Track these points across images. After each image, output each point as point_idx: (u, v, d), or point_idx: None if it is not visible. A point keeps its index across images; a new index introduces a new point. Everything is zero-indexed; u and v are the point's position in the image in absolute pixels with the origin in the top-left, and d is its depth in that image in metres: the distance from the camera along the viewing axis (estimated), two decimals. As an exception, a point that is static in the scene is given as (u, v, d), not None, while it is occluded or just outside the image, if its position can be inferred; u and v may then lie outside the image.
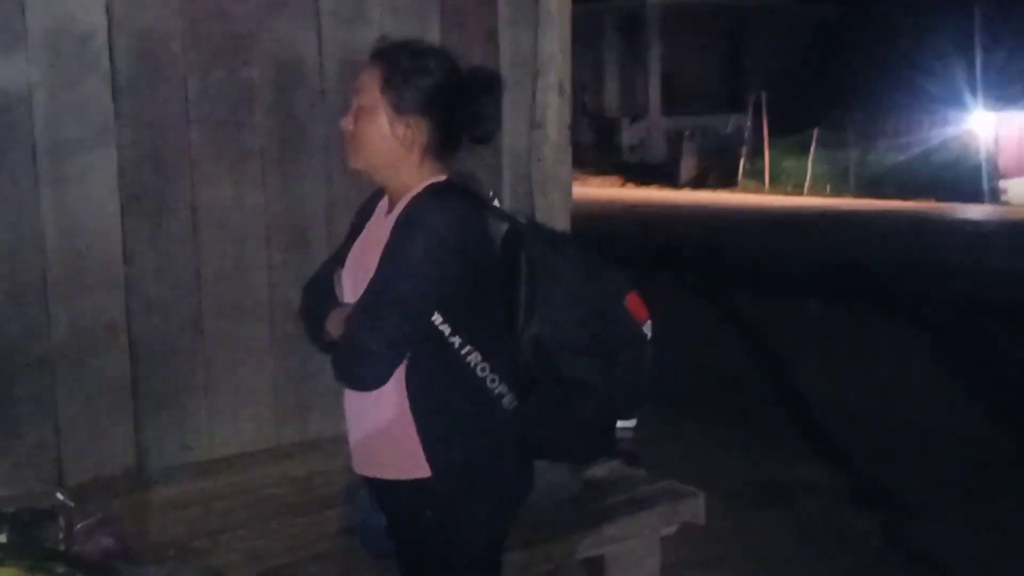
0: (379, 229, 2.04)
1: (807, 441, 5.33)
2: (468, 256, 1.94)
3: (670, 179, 25.97)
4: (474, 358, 1.95)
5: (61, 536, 2.17)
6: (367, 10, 3.26)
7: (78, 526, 2.26)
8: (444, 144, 2.02)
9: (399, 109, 1.97)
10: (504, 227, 2.05)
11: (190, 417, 3.07)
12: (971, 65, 22.19)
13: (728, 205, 20.87)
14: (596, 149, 27.90)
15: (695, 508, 2.90)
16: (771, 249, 13.17)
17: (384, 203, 2.10)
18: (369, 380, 1.93)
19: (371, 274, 1.97)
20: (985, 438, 5.27)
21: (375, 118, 1.98)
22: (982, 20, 21.95)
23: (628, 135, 29.18)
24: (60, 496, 2.31)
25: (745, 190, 24.29)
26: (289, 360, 3.22)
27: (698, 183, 25.57)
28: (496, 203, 2.10)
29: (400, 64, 1.98)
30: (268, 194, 3.16)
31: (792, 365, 6.93)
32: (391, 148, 1.99)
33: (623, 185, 26.32)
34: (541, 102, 3.38)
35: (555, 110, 3.34)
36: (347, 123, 2.04)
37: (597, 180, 25.86)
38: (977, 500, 4.40)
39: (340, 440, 3.05)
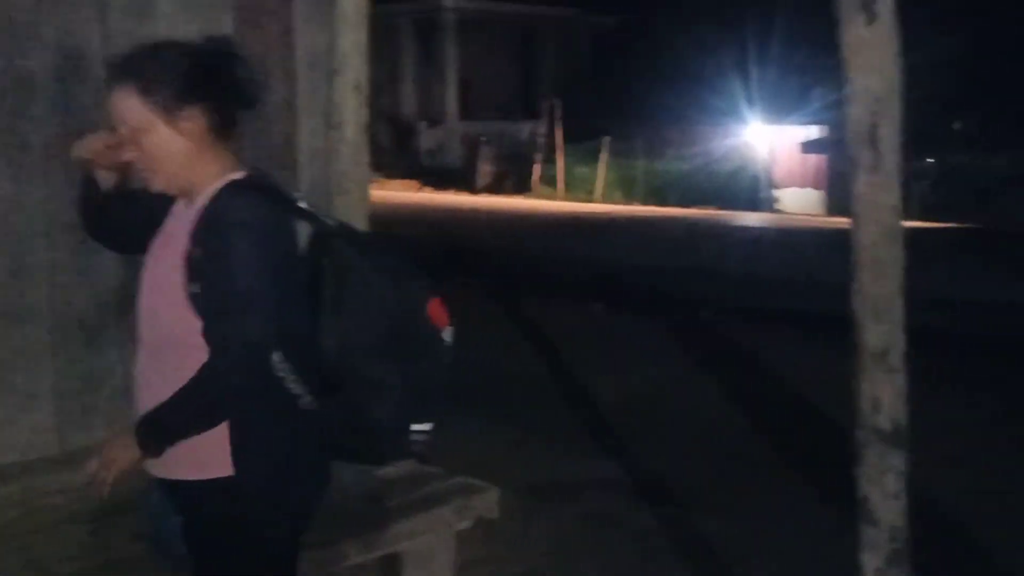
0: (178, 224, 2.02)
1: (594, 438, 5.54)
2: (275, 252, 1.94)
3: (467, 184, 26.30)
4: (276, 357, 1.95)
5: None
6: (156, 4, 3.18)
7: None
8: (223, 121, 2.01)
9: (170, 109, 1.95)
10: (310, 228, 2.07)
11: (-36, 424, 2.90)
12: (747, 81, 23.64)
13: (523, 210, 21.34)
14: (394, 153, 27.90)
15: (488, 503, 2.98)
16: (562, 253, 13.59)
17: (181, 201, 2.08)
18: (242, 383, 1.91)
19: (166, 273, 1.95)
20: (755, 433, 5.63)
21: (154, 131, 1.96)
22: (755, 39, 23.40)
23: (426, 139, 29.33)
24: None
25: (539, 196, 24.91)
26: (73, 365, 3.10)
27: (494, 188, 26.02)
28: (302, 204, 2.11)
29: (144, 69, 1.96)
30: (50, 189, 3.02)
31: (579, 365, 7.19)
32: (182, 149, 1.98)
33: (420, 189, 26.43)
34: (338, 102, 3.38)
35: (352, 110, 3.34)
36: (129, 155, 2.01)
37: (395, 184, 25.86)
38: (751, 493, 4.67)
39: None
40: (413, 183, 26.78)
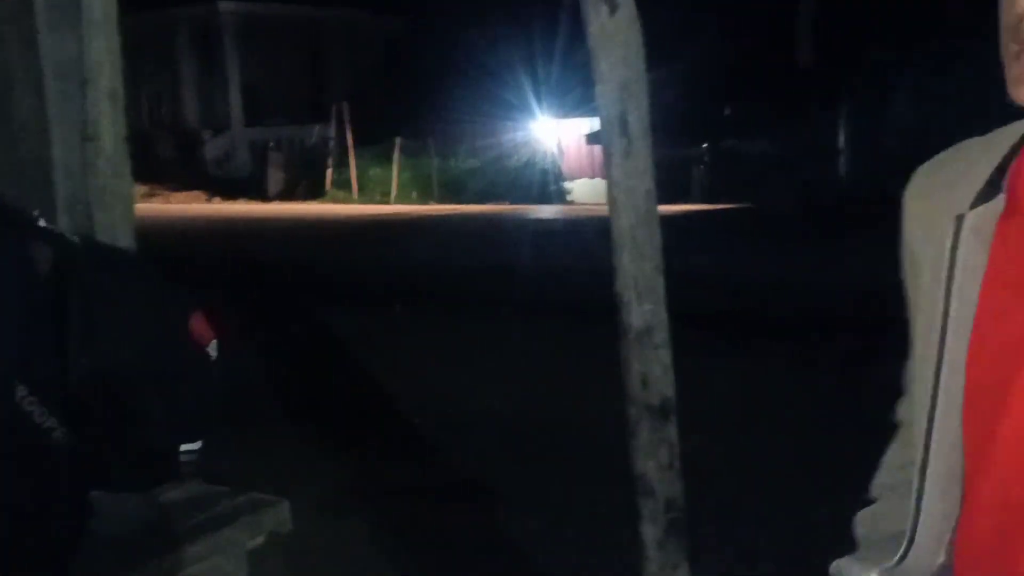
0: None
1: (395, 443, 5.51)
2: (7, 280, 1.81)
3: (258, 192, 25.68)
4: (20, 391, 1.82)
5: None
6: None
7: None
8: None
9: None
10: (50, 250, 1.94)
11: None
12: (534, 77, 24.17)
13: (318, 216, 21.04)
14: (178, 164, 26.88)
15: (280, 517, 2.89)
16: (358, 258, 13.49)
17: None
18: None
19: None
20: (547, 425, 5.74)
21: None
22: (541, 36, 23.95)
23: (211, 148, 28.41)
24: None
25: (334, 200, 24.63)
26: None
27: (286, 195, 25.52)
28: (42, 223, 1.97)
29: None
30: None
31: (379, 370, 7.13)
32: None
33: (209, 200, 25.60)
34: (92, 113, 3.20)
35: (109, 121, 3.17)
36: None
37: (181, 196, 24.94)
38: (550, 486, 4.74)
39: None
40: (201, 194, 25.92)
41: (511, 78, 24.07)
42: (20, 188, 2.53)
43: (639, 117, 2.17)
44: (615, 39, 2.14)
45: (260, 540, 2.90)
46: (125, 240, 3.32)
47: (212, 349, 2.03)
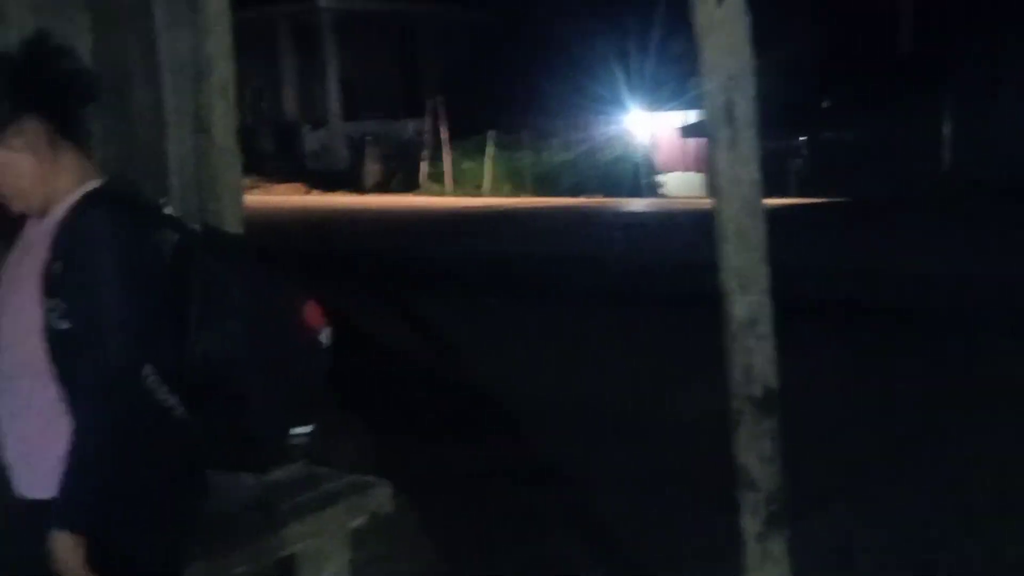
0: (34, 237, 1.96)
1: (487, 429, 5.58)
2: (137, 264, 1.90)
3: (354, 185, 26.10)
4: (146, 370, 1.90)
5: None
6: (5, 9, 3.06)
7: None
8: (62, 124, 1.95)
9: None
10: (175, 236, 2.02)
11: None
12: (628, 69, 24.02)
13: (412, 208, 21.29)
14: (278, 157, 27.47)
15: (381, 498, 2.97)
16: (452, 248, 13.61)
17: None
18: (121, 405, 1.84)
19: (21, 288, 1.89)
20: (639, 412, 5.73)
21: None
22: (635, 28, 23.79)
23: (310, 142, 28.96)
24: None
25: (428, 193, 24.88)
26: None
27: (382, 188, 25.88)
28: (168, 211, 2.06)
29: None
30: None
31: (470, 357, 7.22)
32: (28, 165, 1.91)
33: (307, 192, 26.12)
34: (205, 106, 3.31)
35: (220, 114, 3.29)
36: (3, 185, 1.94)
37: (280, 188, 25.48)
38: (638, 472, 4.74)
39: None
40: (299, 186, 26.44)
41: (604, 71, 23.95)
42: (136, 177, 2.62)
43: (745, 107, 2.17)
44: (722, 28, 2.14)
45: (362, 520, 2.99)
46: (234, 229, 3.43)
47: (324, 337, 2.10)
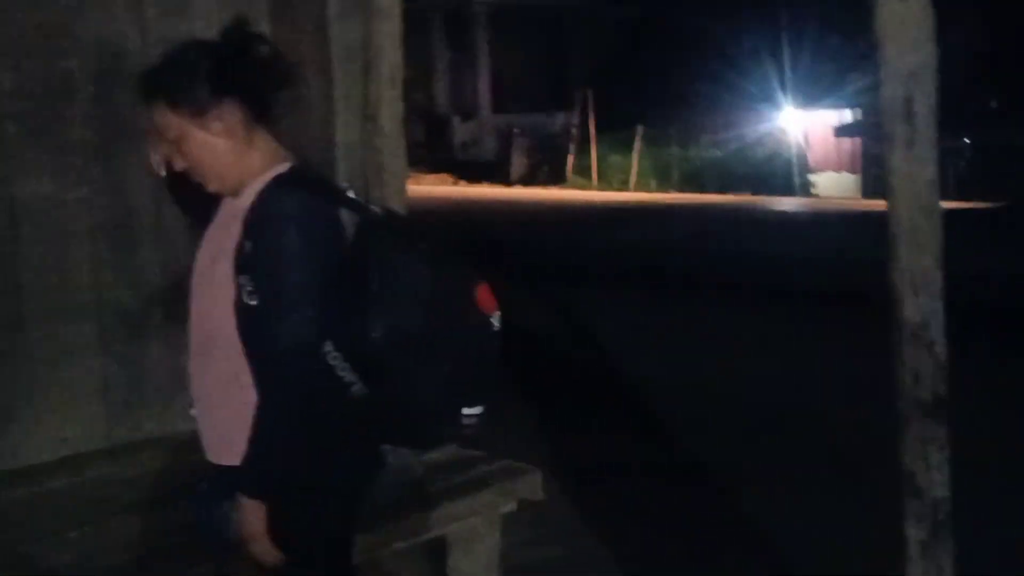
0: (228, 216, 2.05)
1: (636, 421, 5.57)
2: (323, 244, 1.97)
3: (501, 176, 26.31)
4: (326, 346, 1.97)
5: None
6: (191, 2, 3.22)
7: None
8: (257, 109, 2.02)
9: (200, 112, 1.98)
10: (356, 217, 2.09)
11: (15, 420, 2.97)
12: (781, 66, 23.45)
13: (558, 201, 21.33)
14: (427, 147, 27.95)
15: (532, 485, 3.00)
16: (597, 241, 13.58)
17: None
18: (302, 379, 1.93)
19: (216, 264, 1.99)
20: (793, 413, 5.61)
21: (192, 139, 1.99)
22: (788, 23, 23.21)
23: (459, 133, 29.36)
24: None
25: (574, 186, 24.88)
26: (119, 361, 3.16)
27: (528, 180, 26.01)
28: (350, 194, 2.13)
29: (168, 81, 1.99)
30: (92, 189, 3.08)
31: (621, 349, 7.21)
32: (225, 148, 2.00)
33: (455, 183, 26.49)
34: (373, 95, 3.41)
35: (388, 103, 3.37)
36: (179, 162, 2.04)
37: (429, 178, 25.93)
38: (795, 473, 4.67)
39: (173, 438, 3.05)
40: (447, 177, 26.84)
41: (756, 67, 23.44)
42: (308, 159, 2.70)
43: (926, 104, 2.09)
44: (906, 24, 2.06)
45: (513, 506, 3.03)
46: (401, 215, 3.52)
47: (495, 320, 2.13)
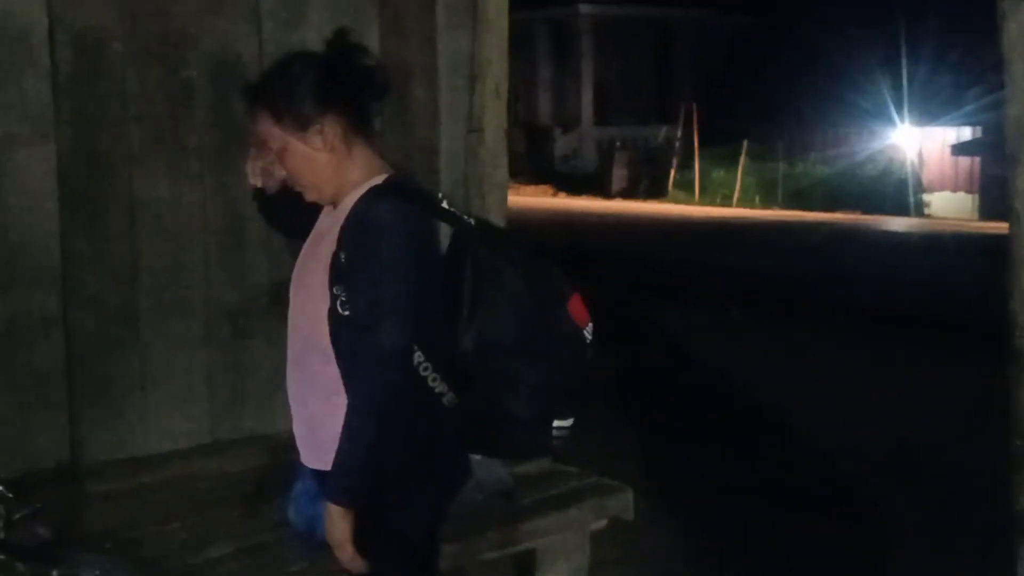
0: (327, 226, 2.09)
1: (724, 440, 5.49)
2: (417, 254, 2.00)
3: (601, 189, 26.24)
4: (417, 356, 2.00)
5: (0, 524, 2.19)
6: (306, 12, 3.31)
7: (15, 516, 2.28)
8: (357, 122, 2.05)
9: (301, 126, 2.01)
10: (451, 227, 2.11)
11: (125, 412, 3.08)
12: (895, 81, 22.84)
13: (659, 215, 21.17)
14: (529, 158, 28.05)
15: (624, 503, 2.99)
16: (699, 257, 13.42)
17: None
18: (392, 389, 1.95)
19: (314, 273, 2.03)
20: (888, 441, 5.46)
21: (292, 150, 2.03)
22: (906, 38, 22.60)
23: (561, 144, 29.42)
24: (-2, 488, 2.33)
25: (675, 200, 24.65)
26: (224, 357, 3.25)
27: (629, 193, 25.88)
28: (444, 204, 2.15)
29: (272, 93, 2.03)
30: (205, 192, 3.19)
31: (711, 368, 7.12)
32: (324, 161, 2.03)
33: (555, 194, 26.52)
34: (478, 106, 3.45)
35: (492, 114, 3.42)
36: (281, 170, 2.09)
37: (529, 189, 26.02)
38: (885, 500, 4.56)
39: (274, 436, 3.13)
40: (547, 188, 26.89)
41: (868, 82, 22.87)
42: (412, 173, 2.75)
43: (1051, 126, 2.02)
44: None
45: (603, 523, 3.01)
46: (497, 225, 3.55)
47: (588, 332, 2.12)
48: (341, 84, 2.02)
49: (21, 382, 2.88)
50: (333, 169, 2.05)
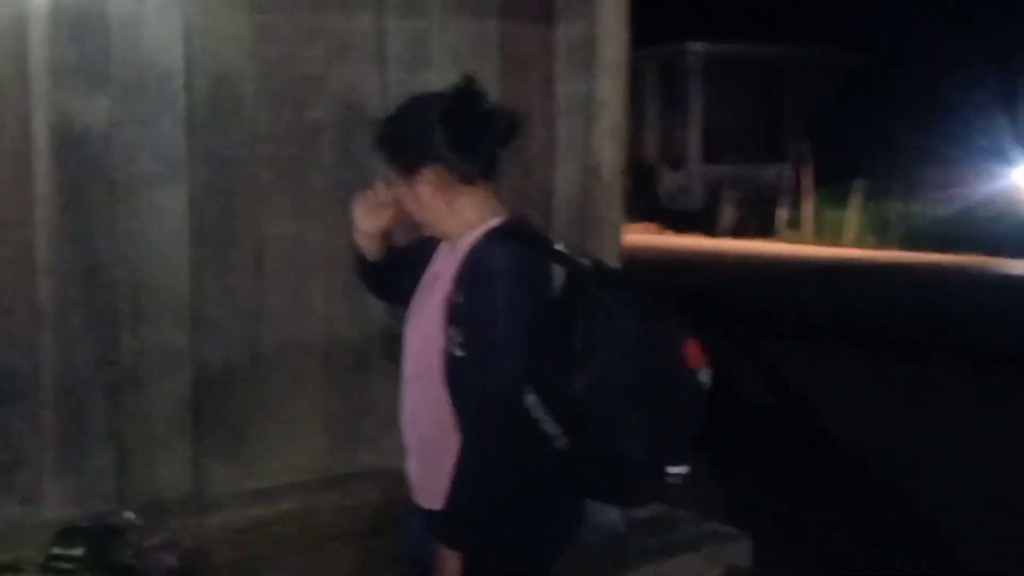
0: (443, 267, 2.12)
1: (836, 483, 5.34)
2: (531, 298, 2.00)
3: (708, 227, 25.97)
4: (530, 399, 2.00)
5: (131, 552, 2.26)
6: (429, 55, 3.38)
7: (146, 544, 2.36)
8: (475, 164, 2.06)
9: (410, 171, 2.05)
10: (565, 269, 2.12)
11: (247, 444, 3.16)
12: (1014, 119, 22.11)
13: (768, 254, 20.83)
14: (635, 196, 27.94)
15: (741, 551, 2.93)
16: (812, 296, 13.14)
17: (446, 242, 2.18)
18: (504, 432, 1.97)
19: (430, 312, 2.06)
20: (999, 481, 5.25)
21: (405, 192, 2.08)
22: (1021, 76, 21.88)
23: (667, 182, 29.28)
24: (129, 516, 2.41)
25: (785, 240, 24.21)
26: (342, 394, 3.32)
27: (737, 231, 25.54)
28: (559, 247, 2.15)
29: (389, 136, 2.08)
30: (328, 232, 3.26)
31: (822, 410, 6.94)
32: (436, 204, 2.06)
33: (661, 232, 26.34)
34: (596, 147, 3.47)
35: (610, 155, 3.43)
36: (396, 213, 2.15)
37: (635, 227, 25.83)
38: (1003, 545, 4.37)
39: (389, 472, 3.16)
40: (653, 226, 26.74)
41: (985, 120, 22.18)
42: (527, 211, 2.77)
43: None
44: None
45: (719, 572, 2.96)
46: (612, 265, 3.54)
47: (704, 376, 2.09)
48: (458, 130, 2.04)
49: (149, 413, 2.98)
50: (446, 212, 2.07)
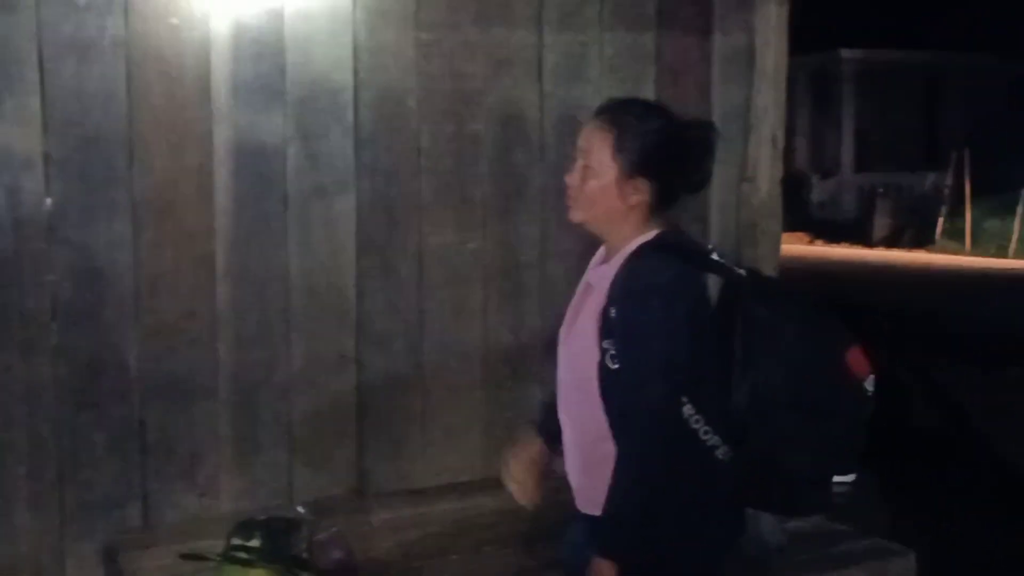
0: (596, 279, 2.15)
1: (1002, 507, 5.10)
2: (686, 311, 2.02)
3: (861, 237, 25.15)
4: (689, 410, 2.01)
5: (303, 546, 2.37)
6: (586, 68, 3.42)
7: (315, 538, 2.47)
8: (664, 200, 2.11)
9: (628, 172, 2.07)
10: (722, 279, 2.12)
11: (407, 446, 3.27)
12: None
13: (925, 265, 20.03)
14: (785, 205, 27.30)
15: (905, 568, 2.85)
16: (972, 312, 12.57)
17: (601, 251, 2.21)
18: (662, 444, 1.99)
19: (584, 323, 2.09)
20: None
21: (603, 179, 2.09)
22: None
23: (818, 192, 28.51)
24: (301, 510, 2.54)
25: (943, 250, 23.23)
26: (499, 399, 3.39)
27: (892, 241, 24.65)
28: (715, 256, 2.16)
29: (630, 127, 2.08)
30: (487, 241, 3.35)
31: (1004, 434, 6.62)
32: (615, 207, 2.09)
33: (811, 242, 25.65)
34: (753, 156, 3.44)
35: (767, 164, 3.40)
36: (573, 179, 2.14)
37: (785, 236, 25.24)
38: None
39: (546, 477, 3.20)
40: (803, 235, 26.07)
41: None
42: (684, 222, 2.78)
43: None
44: None
45: (881, 588, 2.88)
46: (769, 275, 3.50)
47: (869, 384, 2.05)
48: (676, 165, 2.09)
49: (319, 412, 3.12)
50: (617, 220, 2.11)
